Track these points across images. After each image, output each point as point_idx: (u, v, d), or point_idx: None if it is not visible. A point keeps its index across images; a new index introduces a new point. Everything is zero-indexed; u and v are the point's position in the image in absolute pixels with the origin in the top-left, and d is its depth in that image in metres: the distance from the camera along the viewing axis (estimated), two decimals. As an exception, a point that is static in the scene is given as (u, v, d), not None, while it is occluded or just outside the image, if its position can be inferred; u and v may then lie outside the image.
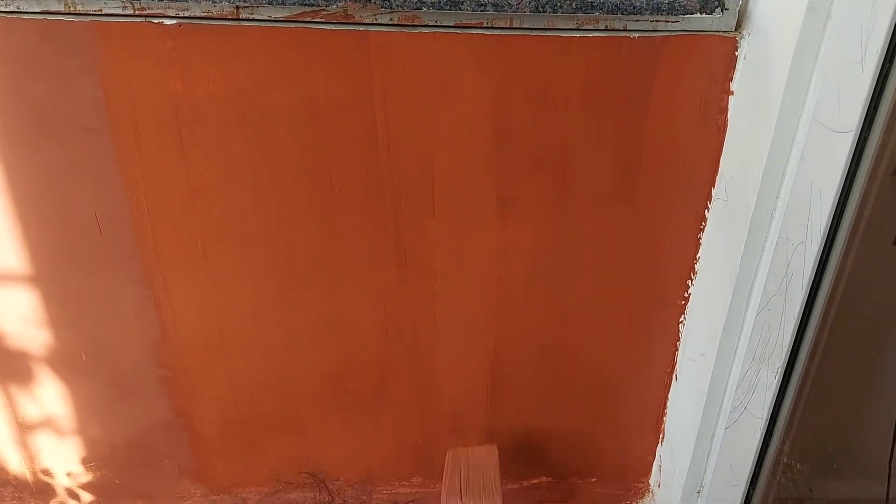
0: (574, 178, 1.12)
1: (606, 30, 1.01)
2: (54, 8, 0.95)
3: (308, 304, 1.22)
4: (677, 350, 1.30)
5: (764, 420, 1.07)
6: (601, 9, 0.96)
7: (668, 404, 1.37)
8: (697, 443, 1.26)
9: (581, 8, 0.96)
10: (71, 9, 0.96)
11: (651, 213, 1.15)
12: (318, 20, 0.98)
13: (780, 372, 1.01)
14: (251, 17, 0.98)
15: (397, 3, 0.94)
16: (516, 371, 1.31)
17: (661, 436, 1.41)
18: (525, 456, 1.43)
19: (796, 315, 0.96)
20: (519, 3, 0.95)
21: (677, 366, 1.31)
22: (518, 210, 1.14)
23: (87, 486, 1.38)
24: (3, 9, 0.95)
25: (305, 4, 0.94)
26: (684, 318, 1.26)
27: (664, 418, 1.39)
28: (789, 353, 1.00)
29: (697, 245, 1.18)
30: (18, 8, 0.95)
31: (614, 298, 1.25)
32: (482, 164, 1.10)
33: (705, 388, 1.19)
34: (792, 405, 1.05)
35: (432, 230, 1.16)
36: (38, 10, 0.95)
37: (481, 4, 0.94)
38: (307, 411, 1.33)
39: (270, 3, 0.94)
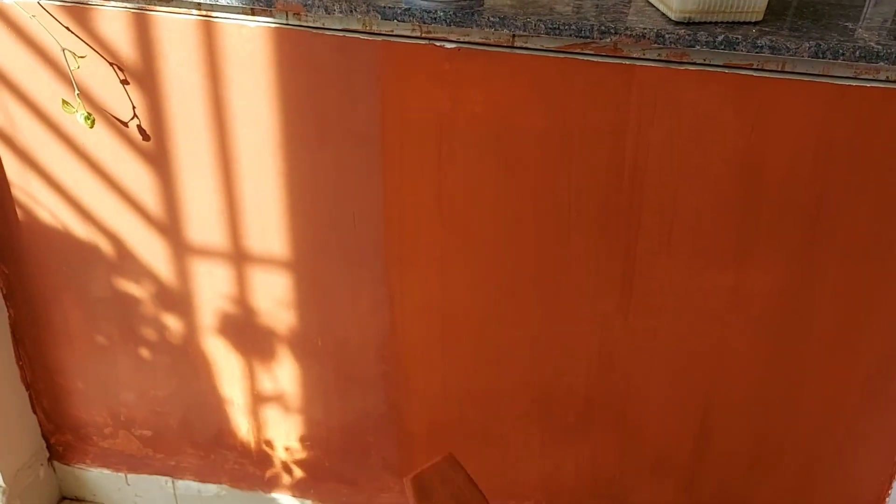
0: (825, 228, 1.07)
1: (887, 81, 0.97)
2: (353, 26, 1.07)
3: (528, 322, 1.25)
4: (915, 428, 1.19)
5: None
6: (886, 59, 0.93)
7: (893, 485, 1.26)
8: (931, 534, 1.15)
9: (864, 57, 0.93)
10: (367, 27, 1.07)
11: (906, 276, 1.08)
12: (587, 52, 1.02)
13: None
14: (525, 45, 1.04)
15: (671, 39, 0.96)
16: (729, 423, 1.27)
17: (882, 519, 1.30)
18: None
19: None
20: (798, 48, 0.94)
21: (913, 445, 1.21)
22: (758, 256, 1.12)
23: (299, 463, 1.50)
24: (311, 24, 1.08)
25: (580, 37, 0.99)
26: (930, 395, 1.16)
27: (887, 501, 1.28)
28: None
29: (958, 317, 1.09)
30: (324, 25, 1.07)
31: (849, 362, 1.18)
32: (728, 206, 1.09)
33: (950, 473, 1.09)
34: None
35: (664, 266, 1.15)
36: (339, 28, 1.07)
37: (758, 46, 0.94)
38: (510, 427, 1.36)
39: (547, 34, 0.99)
